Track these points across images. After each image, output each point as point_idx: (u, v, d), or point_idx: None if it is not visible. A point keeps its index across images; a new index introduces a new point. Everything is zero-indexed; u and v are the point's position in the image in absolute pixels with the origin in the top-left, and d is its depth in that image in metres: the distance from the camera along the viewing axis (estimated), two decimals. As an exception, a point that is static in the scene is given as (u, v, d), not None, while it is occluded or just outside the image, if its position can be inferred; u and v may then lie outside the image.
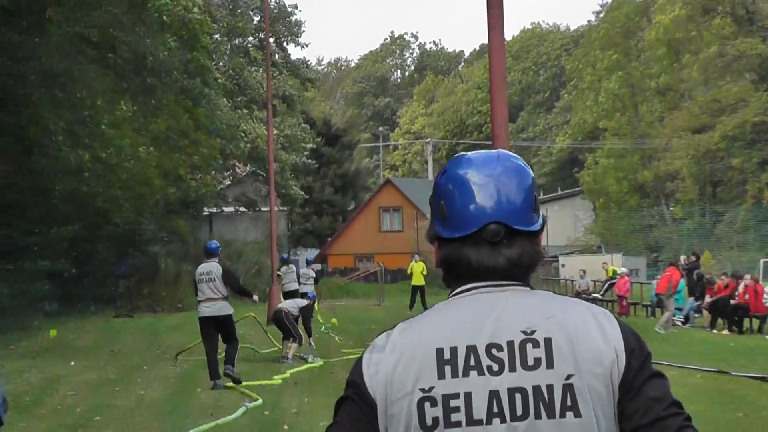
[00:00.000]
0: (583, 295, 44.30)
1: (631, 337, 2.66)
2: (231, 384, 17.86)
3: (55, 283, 31.70)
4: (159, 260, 43.77)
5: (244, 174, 58.80)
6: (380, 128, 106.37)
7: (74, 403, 16.09)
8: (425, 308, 31.50)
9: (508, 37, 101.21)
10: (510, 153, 2.83)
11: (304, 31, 63.31)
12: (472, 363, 2.55)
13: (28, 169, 27.53)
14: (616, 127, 79.26)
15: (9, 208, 27.36)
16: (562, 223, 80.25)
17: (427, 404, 2.53)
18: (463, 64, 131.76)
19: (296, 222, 70.81)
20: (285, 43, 61.40)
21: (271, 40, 54.98)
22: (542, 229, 2.79)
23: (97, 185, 31.15)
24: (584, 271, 45.87)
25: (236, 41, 58.13)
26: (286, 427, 13.84)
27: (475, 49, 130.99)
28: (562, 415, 2.52)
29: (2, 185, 26.65)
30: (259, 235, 54.92)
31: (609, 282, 43.03)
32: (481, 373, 2.54)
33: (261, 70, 55.81)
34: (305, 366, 21.34)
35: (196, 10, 35.73)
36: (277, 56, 58.29)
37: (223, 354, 18.35)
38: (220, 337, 18.25)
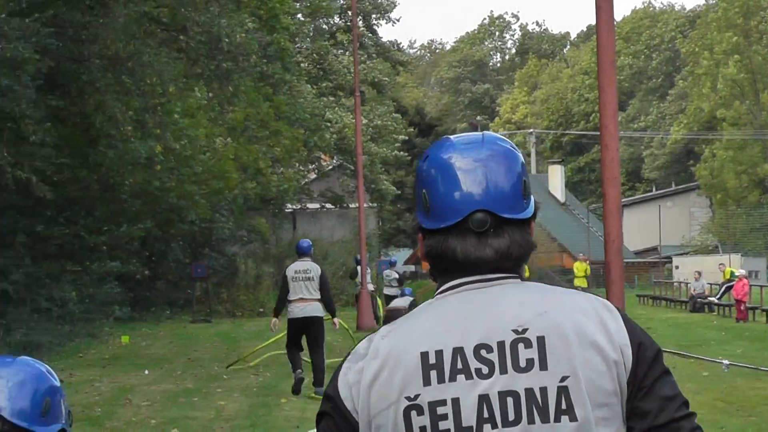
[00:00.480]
0: (699, 299, 43.58)
1: (638, 332, 2.66)
2: (316, 395, 17.64)
3: (126, 286, 31.85)
4: (238, 261, 43.78)
5: (329, 167, 58.75)
6: (478, 117, 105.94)
7: (149, 414, 16.18)
8: None
9: (617, 17, 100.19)
10: (497, 135, 2.80)
11: (397, 3, 62.79)
12: (460, 366, 2.55)
13: (94, 163, 27.54)
14: (735, 116, 77.66)
15: (74, 205, 27.43)
16: (675, 220, 79.37)
17: (413, 413, 2.53)
18: (568, 47, 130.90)
19: (387, 220, 70.61)
20: (374, 23, 61.20)
21: (359, 20, 54.68)
22: (534, 216, 2.78)
23: (170, 179, 31.11)
24: (699, 273, 45.33)
25: (320, 22, 57.98)
26: None
27: (582, 31, 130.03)
28: (557, 419, 2.53)
29: (67, 179, 26.67)
30: (346, 234, 54.74)
31: (726, 285, 42.47)
32: (469, 376, 2.54)
33: (348, 53, 55.65)
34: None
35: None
36: (365, 38, 57.98)
37: (312, 368, 18.20)
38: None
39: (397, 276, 36.11)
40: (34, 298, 25.56)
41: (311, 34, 55.62)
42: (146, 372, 21.96)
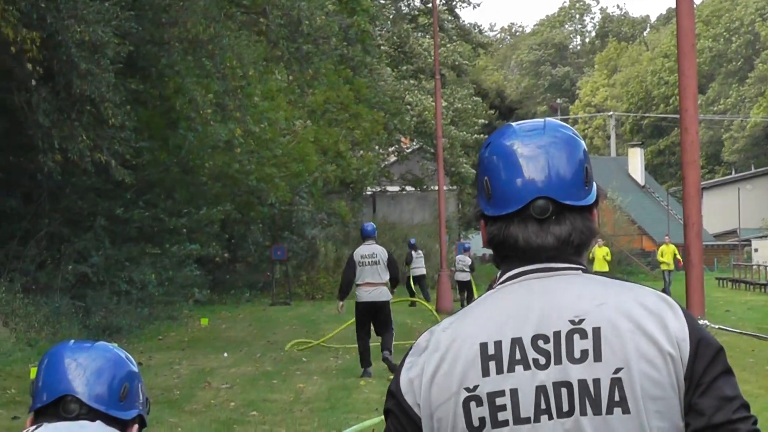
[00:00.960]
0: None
1: (699, 329, 2.62)
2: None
3: (205, 269, 31.75)
4: (317, 244, 43.53)
5: (409, 150, 58.37)
6: (558, 100, 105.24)
7: (228, 397, 16.13)
8: None
9: (697, 1, 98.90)
10: (558, 122, 2.78)
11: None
12: (518, 357, 2.53)
13: (174, 145, 27.46)
14: None
15: (154, 187, 27.30)
16: (756, 204, 78.45)
17: (472, 404, 2.53)
18: (648, 30, 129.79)
19: (467, 203, 70.02)
20: (455, 6, 60.61)
21: (439, 2, 54.15)
22: (596, 203, 2.76)
23: (250, 162, 30.90)
24: (779, 256, 44.72)
25: (400, 5, 57.49)
26: None
27: (661, 14, 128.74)
28: (609, 411, 2.51)
29: (147, 162, 26.52)
30: (426, 217, 54.47)
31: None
32: (527, 367, 2.52)
33: (428, 36, 55.19)
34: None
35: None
36: (446, 21, 57.44)
37: (379, 342, 18.32)
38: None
39: (470, 262, 35.78)
40: (113, 281, 25.58)
41: (391, 16, 55.13)
42: (225, 355, 21.96)
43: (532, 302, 2.60)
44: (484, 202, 2.74)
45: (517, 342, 2.55)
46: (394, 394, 2.67)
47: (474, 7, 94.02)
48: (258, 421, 13.98)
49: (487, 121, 65.33)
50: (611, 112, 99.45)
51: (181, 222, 28.39)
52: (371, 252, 17.95)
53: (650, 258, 61.30)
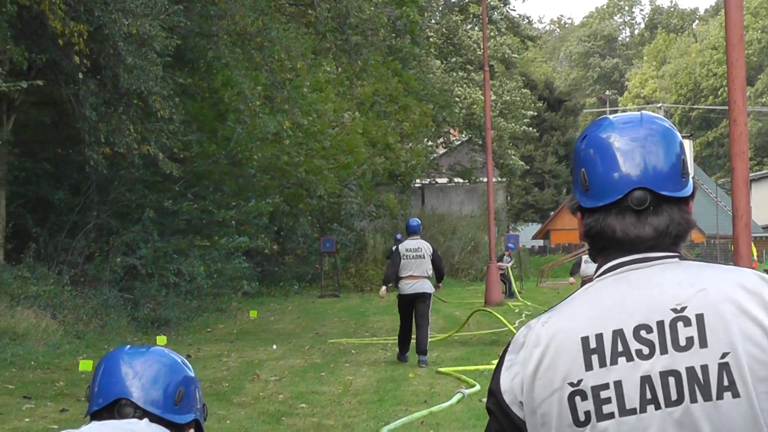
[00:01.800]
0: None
1: None
2: (445, 369, 17.73)
3: (254, 261, 31.59)
4: (366, 236, 43.31)
5: (458, 142, 58.10)
6: (607, 92, 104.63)
7: (277, 389, 16.00)
8: None
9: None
10: (654, 114, 2.78)
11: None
12: (620, 349, 2.50)
13: (222, 137, 27.33)
14: None
15: (203, 179, 27.15)
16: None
17: (577, 398, 2.50)
18: (697, 21, 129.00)
19: (516, 194, 69.87)
20: (502, 2, 60.22)
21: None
22: (693, 195, 2.74)
23: (299, 154, 30.73)
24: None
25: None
26: None
27: (710, 6, 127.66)
28: (719, 397, 2.47)
29: (195, 154, 26.36)
30: (475, 209, 54.22)
31: None
32: (630, 358, 2.49)
33: (477, 28, 54.87)
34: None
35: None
36: (495, 13, 57.10)
37: (416, 341, 18.76)
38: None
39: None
40: (162, 273, 25.44)
41: (440, 8, 54.84)
42: (274, 347, 21.87)
43: (632, 293, 2.58)
44: (580, 194, 2.73)
45: (618, 334, 2.53)
46: (494, 393, 2.66)
47: (523, 0, 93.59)
48: (307, 413, 13.89)
49: (535, 113, 65.02)
50: (660, 104, 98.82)
51: (230, 214, 28.21)
52: (416, 246, 18.49)
53: (699, 250, 60.77)
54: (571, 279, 30.07)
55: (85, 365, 17.98)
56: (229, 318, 28.41)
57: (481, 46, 43.93)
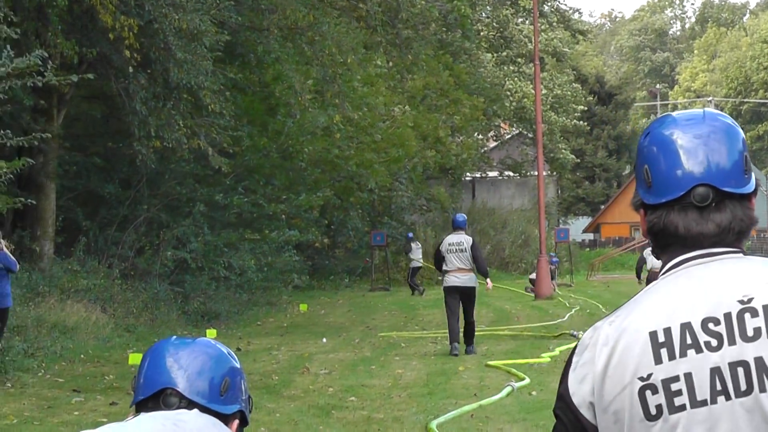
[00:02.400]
0: None
1: None
2: (495, 363, 17.80)
3: (305, 255, 31.54)
4: (417, 230, 43.13)
5: (509, 136, 57.94)
6: (658, 86, 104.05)
7: (327, 383, 15.98)
8: None
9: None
10: (717, 111, 2.75)
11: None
12: (689, 341, 2.48)
13: (273, 131, 27.29)
14: None
15: (253, 173, 27.10)
16: None
17: (648, 392, 2.48)
18: (748, 15, 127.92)
19: (566, 188, 69.69)
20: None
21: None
22: (755, 192, 2.69)
23: (349, 147, 30.62)
24: None
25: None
26: None
27: (761, 0, 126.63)
28: None
29: (246, 148, 26.30)
30: (525, 203, 54.09)
31: None
32: (699, 350, 2.47)
33: (528, 21, 54.65)
34: (575, 343, 20.25)
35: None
36: (546, 6, 56.82)
37: (463, 332, 19.38)
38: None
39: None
40: (212, 267, 25.45)
41: (491, 1, 54.62)
42: (324, 340, 21.81)
43: (698, 287, 2.56)
44: (643, 191, 2.71)
45: (686, 327, 2.51)
46: (562, 397, 2.65)
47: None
48: (356, 406, 13.82)
49: (586, 108, 64.73)
50: (711, 98, 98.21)
51: (281, 208, 28.17)
52: (458, 240, 18.97)
53: (749, 243, 60.21)
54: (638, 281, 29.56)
55: (135, 359, 17.93)
56: (279, 311, 28.40)
57: (532, 40, 43.73)
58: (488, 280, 19.89)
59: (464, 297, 19.00)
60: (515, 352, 19.53)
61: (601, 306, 30.35)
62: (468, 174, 52.56)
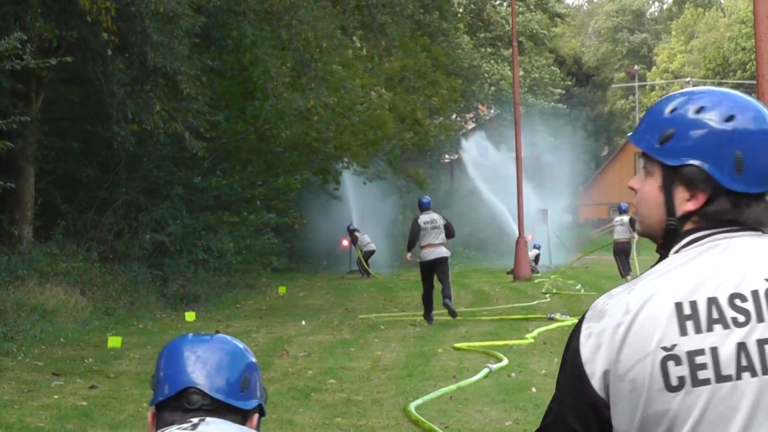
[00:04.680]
0: None
1: None
2: (464, 345, 18.03)
3: (283, 237, 31.49)
4: (396, 211, 43.11)
5: (488, 118, 57.89)
6: (636, 66, 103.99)
7: (306, 365, 15.97)
8: None
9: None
10: None
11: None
12: (716, 316, 2.48)
13: (251, 115, 27.20)
14: None
15: (231, 157, 27.09)
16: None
17: (670, 363, 2.46)
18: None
19: (545, 169, 69.60)
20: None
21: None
22: None
23: (327, 130, 30.57)
24: None
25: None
26: (534, 390, 13.48)
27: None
28: None
29: (223, 131, 26.24)
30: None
31: None
32: (726, 326, 2.47)
33: (506, 3, 54.66)
34: (554, 325, 20.97)
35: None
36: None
37: (441, 292, 21.11)
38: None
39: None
40: (191, 250, 25.49)
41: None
42: (303, 322, 21.77)
43: (724, 263, 2.57)
44: (728, 176, 2.62)
45: (713, 301, 2.51)
46: (573, 366, 2.62)
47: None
48: (335, 388, 13.82)
49: (564, 91, 64.80)
50: (688, 79, 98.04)
51: (259, 190, 28.13)
52: (432, 218, 21.19)
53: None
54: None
55: (114, 341, 17.99)
56: (258, 294, 28.39)
57: (510, 22, 43.71)
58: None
59: (438, 267, 21.04)
60: (494, 334, 19.63)
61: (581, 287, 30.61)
62: (447, 156, 52.55)
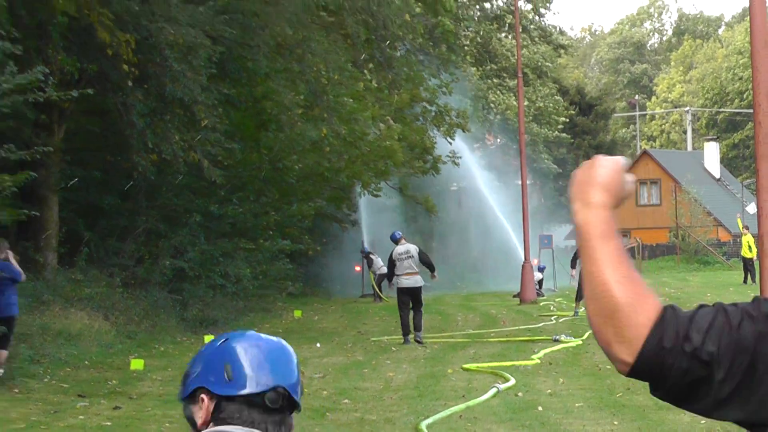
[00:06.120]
0: None
1: None
2: (473, 366, 18.17)
3: (297, 263, 31.48)
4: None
5: (493, 147, 57.97)
6: (636, 96, 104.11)
7: (321, 386, 16.11)
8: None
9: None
10: None
11: (551, 1, 61.34)
12: None
13: (265, 146, 27.20)
14: None
15: (246, 186, 27.04)
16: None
17: None
18: (723, 28, 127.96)
19: (549, 196, 69.54)
20: (535, 12, 60.05)
21: (522, 5, 53.69)
22: None
23: (339, 160, 30.58)
24: None
25: (485, 4, 57.00)
26: (540, 408, 13.61)
27: (736, 13, 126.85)
28: None
29: (239, 162, 26.23)
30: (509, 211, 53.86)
31: None
32: None
33: (511, 36, 54.73)
34: (559, 346, 21.11)
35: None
36: (528, 22, 56.95)
37: (413, 322, 22.10)
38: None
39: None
40: (209, 275, 25.45)
41: (476, 17, 54.68)
42: (318, 345, 21.96)
43: None
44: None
45: None
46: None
47: (554, 13, 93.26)
48: (350, 408, 13.95)
49: (568, 120, 64.83)
50: (687, 108, 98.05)
51: (273, 218, 28.11)
52: (406, 249, 22.17)
53: (725, 248, 60.12)
54: (573, 272, 29.92)
55: (137, 364, 18.02)
56: (274, 317, 28.46)
57: (515, 54, 43.75)
58: (435, 273, 22.90)
59: (413, 295, 22.00)
60: (501, 355, 19.70)
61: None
62: (455, 183, 52.50)
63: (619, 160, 2.60)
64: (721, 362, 2.36)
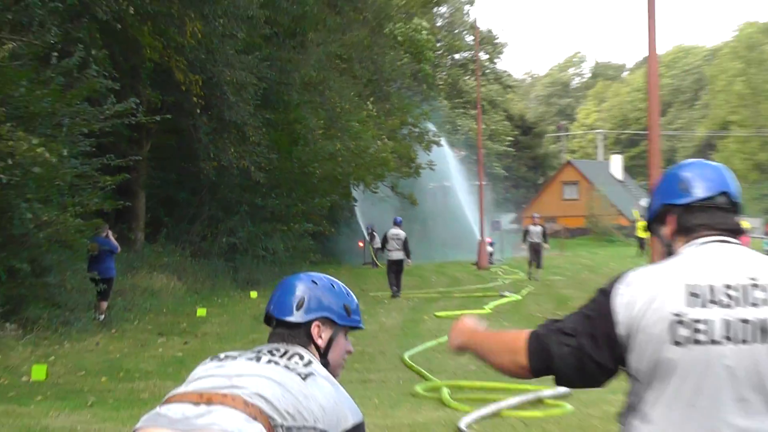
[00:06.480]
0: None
1: None
2: (442, 314, 17.96)
3: (317, 240, 31.39)
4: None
5: (459, 158, 57.86)
6: (563, 121, 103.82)
7: None
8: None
9: (661, 51, 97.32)
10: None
11: (502, 52, 61.18)
12: (713, 298, 2.50)
13: (295, 157, 27.14)
14: (741, 119, 78.86)
15: (281, 186, 26.98)
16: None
17: (678, 326, 2.48)
18: (627, 72, 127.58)
19: (499, 192, 69.54)
20: (491, 61, 59.92)
21: (482, 55, 53.55)
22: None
23: (348, 167, 30.54)
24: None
25: (455, 55, 56.88)
26: None
27: (637, 61, 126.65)
28: None
29: (276, 167, 26.19)
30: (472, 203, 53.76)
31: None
32: (720, 306, 2.49)
33: (473, 78, 54.59)
34: (504, 300, 20.93)
35: (424, 32, 34.74)
36: (487, 69, 56.82)
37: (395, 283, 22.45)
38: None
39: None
40: (253, 249, 25.30)
41: (448, 64, 54.57)
42: (330, 298, 21.74)
43: (721, 261, 2.58)
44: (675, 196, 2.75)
45: (711, 287, 2.51)
46: (604, 311, 2.55)
47: (504, 61, 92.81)
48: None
49: (513, 139, 64.73)
50: (599, 130, 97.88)
51: (301, 208, 28.01)
52: (397, 233, 22.53)
53: (625, 230, 60.22)
54: (522, 244, 29.70)
55: (201, 312, 18.04)
56: (300, 280, 28.24)
57: (476, 91, 43.67)
58: (409, 260, 22.88)
59: (397, 266, 22.47)
60: (463, 306, 19.65)
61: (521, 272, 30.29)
62: (432, 184, 52.42)
63: (468, 320, 3.04)
64: (583, 334, 2.58)
